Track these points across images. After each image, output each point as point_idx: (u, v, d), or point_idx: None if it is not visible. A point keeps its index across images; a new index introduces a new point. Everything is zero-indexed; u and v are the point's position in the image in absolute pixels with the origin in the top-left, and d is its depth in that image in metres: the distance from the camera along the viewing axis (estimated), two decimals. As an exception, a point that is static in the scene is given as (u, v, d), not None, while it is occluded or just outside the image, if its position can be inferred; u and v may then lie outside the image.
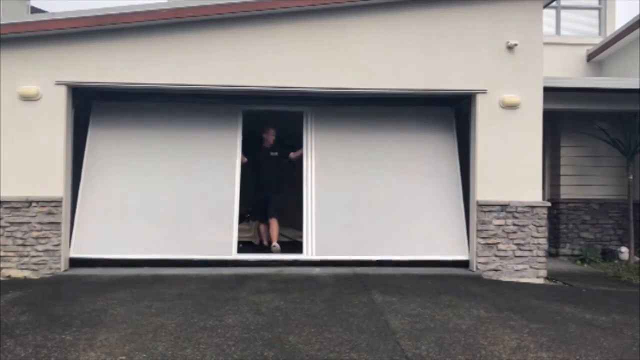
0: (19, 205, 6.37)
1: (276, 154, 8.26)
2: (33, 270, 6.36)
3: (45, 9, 12.50)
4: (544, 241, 6.81)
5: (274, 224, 8.07)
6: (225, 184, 7.37)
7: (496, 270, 6.68)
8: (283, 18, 6.65)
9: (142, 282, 5.97)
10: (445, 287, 5.92)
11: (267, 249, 7.96)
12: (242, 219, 9.20)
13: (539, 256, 6.73)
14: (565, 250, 8.51)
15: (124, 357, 3.71)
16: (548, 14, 10.04)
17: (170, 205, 7.12)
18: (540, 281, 6.65)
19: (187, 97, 7.33)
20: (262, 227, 8.50)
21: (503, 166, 6.72)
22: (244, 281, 6.03)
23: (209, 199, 7.28)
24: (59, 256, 6.43)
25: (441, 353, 3.87)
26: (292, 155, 8.06)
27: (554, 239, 8.59)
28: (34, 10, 12.35)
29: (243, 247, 8.72)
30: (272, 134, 8.19)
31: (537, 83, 6.78)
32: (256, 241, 8.98)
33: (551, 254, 8.38)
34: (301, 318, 4.63)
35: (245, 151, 7.64)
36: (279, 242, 7.91)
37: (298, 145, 7.99)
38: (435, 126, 7.63)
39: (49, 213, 6.40)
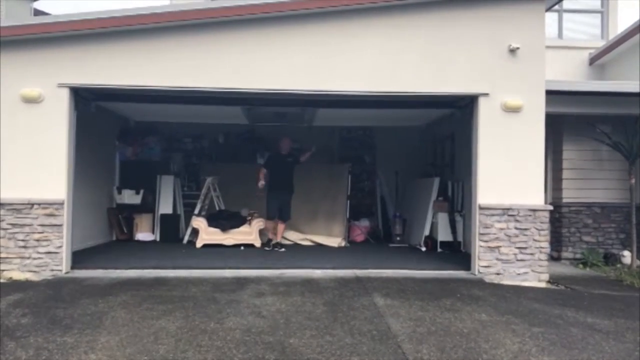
0: (21, 207, 6.37)
1: (291, 159, 8.98)
2: (34, 272, 6.36)
3: (49, 12, 12.56)
4: (545, 245, 6.79)
5: (282, 226, 8.94)
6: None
7: (498, 273, 6.65)
8: (288, 22, 6.64)
9: (144, 284, 5.96)
10: (447, 290, 5.91)
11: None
12: (244, 221, 9.21)
13: (540, 260, 6.70)
14: (567, 253, 8.47)
15: (125, 360, 3.71)
16: (550, 18, 10.04)
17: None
18: (542, 285, 6.63)
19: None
20: (272, 225, 9.05)
21: (505, 169, 6.70)
22: (245, 284, 6.03)
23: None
24: (61, 258, 6.43)
25: (443, 357, 3.86)
26: (302, 158, 9.06)
27: (556, 242, 8.56)
28: (37, 12, 12.41)
29: (245, 249, 8.75)
30: (289, 143, 9.04)
31: (540, 86, 6.76)
32: (258, 243, 8.99)
33: (553, 258, 8.36)
34: (302, 321, 4.62)
35: (264, 158, 9.04)
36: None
37: (305, 148, 8.20)
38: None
39: (51, 215, 6.40)
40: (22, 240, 6.37)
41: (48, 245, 6.40)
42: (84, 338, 4.12)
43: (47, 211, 6.40)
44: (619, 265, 8.04)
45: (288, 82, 6.65)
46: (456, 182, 9.17)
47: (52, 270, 6.39)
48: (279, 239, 8.88)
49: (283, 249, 8.66)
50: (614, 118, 8.23)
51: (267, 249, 8.75)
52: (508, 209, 6.68)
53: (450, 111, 8.17)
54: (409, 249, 9.38)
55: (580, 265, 8.12)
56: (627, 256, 8.16)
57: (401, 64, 6.73)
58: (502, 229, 6.67)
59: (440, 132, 10.20)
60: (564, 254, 8.47)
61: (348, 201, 10.03)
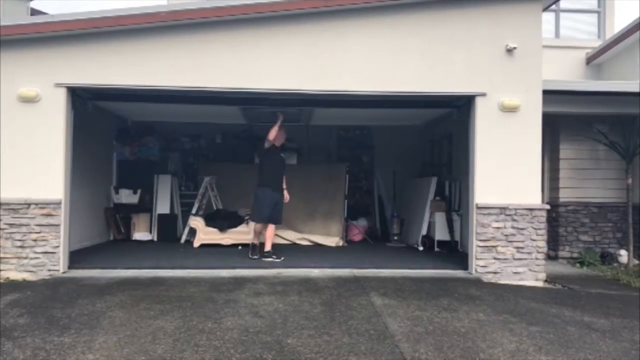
0: (18, 207, 6.36)
1: (284, 155, 8.25)
2: (32, 272, 6.34)
3: (45, 11, 12.53)
4: (542, 244, 6.80)
5: (272, 229, 7.73)
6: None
7: (495, 273, 6.66)
8: (283, 21, 6.64)
9: (141, 284, 5.96)
10: (444, 289, 5.92)
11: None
12: (241, 221, 9.20)
13: (537, 259, 6.71)
14: (564, 253, 8.49)
15: (122, 360, 3.71)
16: (547, 18, 10.05)
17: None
18: (539, 284, 6.64)
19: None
20: (260, 229, 7.78)
21: (502, 169, 6.71)
22: (243, 283, 6.03)
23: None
24: (58, 258, 6.41)
25: (440, 356, 3.87)
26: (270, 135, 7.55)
27: (553, 241, 8.58)
28: (34, 12, 12.38)
29: (242, 249, 8.74)
30: (284, 134, 7.90)
31: (537, 86, 6.77)
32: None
33: (550, 257, 8.38)
34: (300, 321, 4.62)
35: (257, 152, 7.82)
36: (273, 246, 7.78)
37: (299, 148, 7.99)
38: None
39: (48, 215, 6.39)
40: (20, 240, 6.36)
41: (45, 245, 6.38)
42: (82, 338, 4.11)
43: (45, 211, 6.39)
44: (615, 265, 8.07)
45: (284, 82, 6.64)
46: (453, 181, 9.18)
47: (50, 270, 6.38)
48: (269, 247, 7.60)
49: (282, 258, 7.49)
50: (611, 117, 8.25)
51: (254, 257, 7.58)
52: (505, 209, 6.69)
53: (447, 111, 8.20)
54: (407, 248, 9.40)
55: (578, 265, 8.15)
56: (623, 255, 8.19)
57: (398, 64, 6.73)
58: (499, 228, 6.68)
59: (438, 131, 10.22)
60: (561, 253, 8.49)
61: (346, 201, 10.04)
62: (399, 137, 11.25)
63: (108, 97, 7.37)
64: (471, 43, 6.76)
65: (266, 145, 7.60)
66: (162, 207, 10.10)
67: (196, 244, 8.91)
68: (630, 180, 8.03)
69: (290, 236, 9.66)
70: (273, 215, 7.61)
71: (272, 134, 7.52)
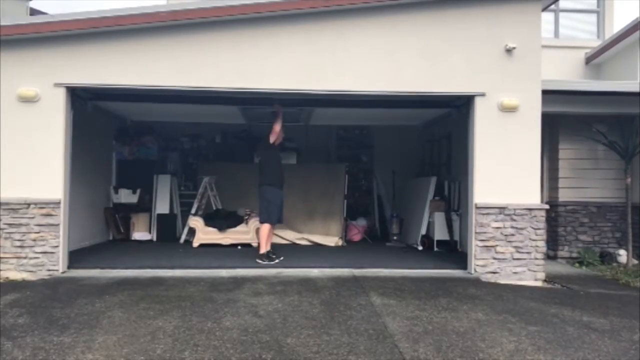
0: (17, 206, 6.35)
1: (280, 153, 8.20)
2: (31, 272, 6.34)
3: (45, 11, 12.53)
4: (542, 244, 6.81)
5: (272, 230, 7.65)
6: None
7: (494, 272, 6.67)
8: (282, 21, 6.65)
9: (140, 284, 5.96)
10: (444, 289, 5.92)
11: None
12: (241, 221, 9.20)
13: (537, 259, 6.72)
14: (564, 252, 8.50)
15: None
16: (547, 17, 10.05)
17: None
18: (539, 284, 6.65)
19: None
20: (269, 232, 7.54)
21: (501, 169, 6.71)
22: (242, 283, 6.03)
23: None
24: (57, 258, 6.41)
25: (439, 356, 3.87)
26: (276, 126, 7.50)
27: (552, 241, 8.58)
28: (33, 11, 12.37)
29: (242, 249, 8.75)
30: (282, 133, 7.75)
31: (536, 86, 6.78)
32: (255, 244, 8.96)
33: (549, 257, 8.38)
34: (299, 320, 4.63)
35: (256, 151, 7.71)
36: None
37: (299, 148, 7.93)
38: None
39: (47, 215, 6.38)
40: (19, 240, 6.36)
41: (44, 245, 6.38)
42: (81, 338, 4.12)
43: (44, 211, 6.39)
44: (614, 264, 8.08)
45: (284, 82, 6.64)
46: (453, 181, 9.19)
47: (49, 270, 6.38)
48: (268, 247, 7.46)
49: (281, 258, 7.39)
50: (611, 117, 8.26)
51: (268, 262, 7.21)
52: (504, 208, 6.70)
53: (447, 111, 8.20)
54: (406, 248, 9.40)
55: (577, 264, 8.15)
56: (622, 255, 8.19)
57: (398, 64, 6.73)
58: (498, 228, 6.69)
59: (437, 131, 10.22)
60: (560, 253, 8.50)
61: (345, 200, 10.04)
62: (399, 137, 11.25)
63: (107, 97, 7.37)
64: (470, 43, 6.77)
65: (272, 139, 7.55)
66: (162, 207, 10.10)
67: (195, 243, 8.92)
68: (629, 180, 8.04)
69: (290, 236, 9.66)
70: (280, 217, 7.63)
71: (278, 127, 7.53)
